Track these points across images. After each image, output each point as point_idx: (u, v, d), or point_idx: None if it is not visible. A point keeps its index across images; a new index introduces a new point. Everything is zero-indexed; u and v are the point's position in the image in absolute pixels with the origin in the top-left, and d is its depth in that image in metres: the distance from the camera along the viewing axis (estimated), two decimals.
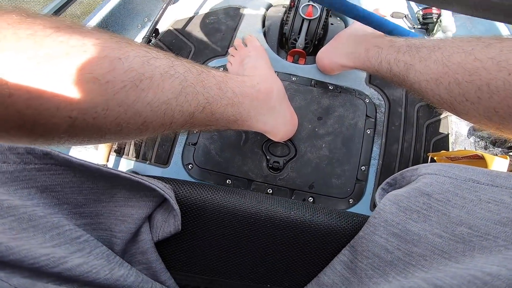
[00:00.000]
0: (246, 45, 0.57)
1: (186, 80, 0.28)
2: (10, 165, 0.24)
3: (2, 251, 0.18)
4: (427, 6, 0.73)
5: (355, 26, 0.53)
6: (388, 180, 0.34)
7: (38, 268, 0.20)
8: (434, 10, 0.72)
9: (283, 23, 0.70)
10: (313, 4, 0.62)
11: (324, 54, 0.58)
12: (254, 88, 0.39)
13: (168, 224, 0.31)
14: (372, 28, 0.46)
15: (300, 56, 0.66)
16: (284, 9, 0.73)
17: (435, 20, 0.72)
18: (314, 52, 0.65)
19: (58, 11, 0.63)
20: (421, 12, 0.74)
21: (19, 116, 0.19)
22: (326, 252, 0.34)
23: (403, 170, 0.31)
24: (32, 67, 0.19)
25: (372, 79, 0.64)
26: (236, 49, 0.58)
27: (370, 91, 0.63)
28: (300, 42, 0.63)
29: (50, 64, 0.19)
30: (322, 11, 0.62)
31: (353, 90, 0.62)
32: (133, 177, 0.28)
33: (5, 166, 0.24)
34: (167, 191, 0.30)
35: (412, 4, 0.82)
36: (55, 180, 0.26)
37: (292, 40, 0.65)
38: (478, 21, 0.79)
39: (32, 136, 0.21)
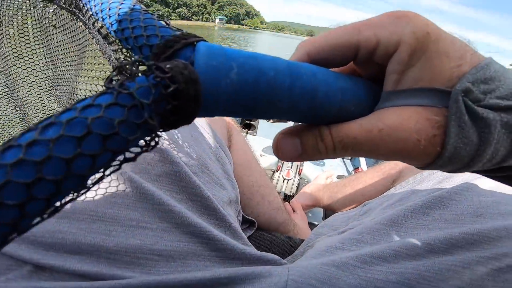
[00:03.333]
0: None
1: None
2: None
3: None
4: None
5: (312, 182, 0.83)
6: None
7: None
8: None
9: None
10: (290, 169, 0.90)
11: (295, 199, 0.81)
12: (296, 229, 0.64)
13: None
14: (321, 182, 0.80)
15: None
16: (272, 172, 0.98)
17: None
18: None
19: None
20: None
21: None
22: None
23: None
24: None
25: (328, 214, 0.81)
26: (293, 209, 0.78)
27: None
28: (281, 195, 0.86)
29: None
30: (295, 174, 0.89)
31: (314, 223, 0.80)
32: None
33: None
34: None
35: None
36: None
37: None
38: None
39: None
